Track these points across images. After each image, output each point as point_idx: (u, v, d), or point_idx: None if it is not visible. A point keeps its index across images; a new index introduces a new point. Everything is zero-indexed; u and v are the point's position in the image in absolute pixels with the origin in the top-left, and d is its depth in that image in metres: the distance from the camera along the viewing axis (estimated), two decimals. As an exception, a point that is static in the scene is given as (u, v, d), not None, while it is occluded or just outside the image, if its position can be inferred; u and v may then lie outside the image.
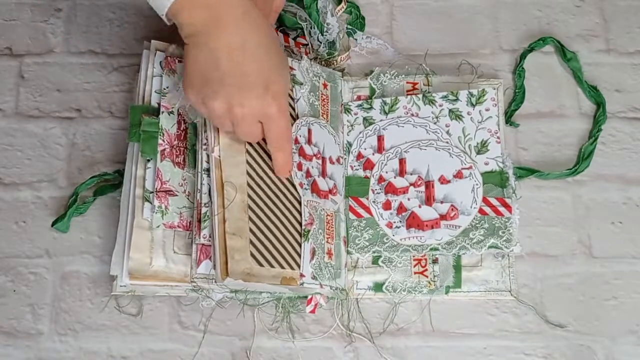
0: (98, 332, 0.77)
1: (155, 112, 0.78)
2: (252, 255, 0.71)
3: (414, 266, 0.77)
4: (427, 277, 0.77)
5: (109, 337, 0.77)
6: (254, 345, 0.76)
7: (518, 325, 0.77)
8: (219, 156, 0.74)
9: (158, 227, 0.74)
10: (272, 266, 0.71)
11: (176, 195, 0.76)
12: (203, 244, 0.72)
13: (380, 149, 0.82)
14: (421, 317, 0.77)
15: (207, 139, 0.75)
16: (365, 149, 0.82)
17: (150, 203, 0.75)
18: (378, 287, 0.77)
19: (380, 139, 0.82)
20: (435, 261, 0.77)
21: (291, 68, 0.81)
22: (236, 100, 0.67)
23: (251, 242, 0.71)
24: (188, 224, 0.76)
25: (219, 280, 0.69)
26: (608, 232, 0.80)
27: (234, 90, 0.67)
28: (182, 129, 0.79)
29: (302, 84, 0.81)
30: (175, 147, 0.78)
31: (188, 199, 0.76)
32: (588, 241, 0.80)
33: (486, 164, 0.80)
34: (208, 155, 0.75)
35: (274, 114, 0.68)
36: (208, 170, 0.75)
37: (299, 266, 0.73)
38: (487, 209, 0.78)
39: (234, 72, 0.66)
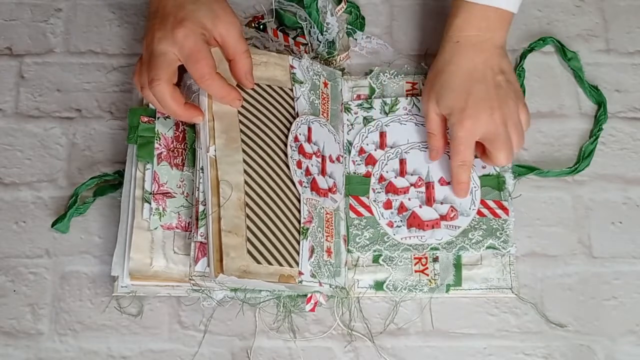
0: (98, 332, 0.77)
1: (154, 114, 0.78)
2: (249, 252, 0.71)
3: (415, 265, 0.77)
4: (427, 275, 0.77)
5: (109, 337, 0.76)
6: (254, 345, 0.76)
7: (518, 325, 0.77)
8: (214, 155, 0.74)
9: (156, 228, 0.74)
10: (270, 263, 0.71)
11: (174, 197, 0.76)
12: (201, 242, 0.72)
13: (382, 145, 0.82)
14: (421, 317, 0.77)
15: (202, 139, 0.75)
16: (367, 144, 0.82)
17: (150, 204, 0.75)
18: (379, 285, 0.77)
19: (382, 135, 0.82)
20: (435, 260, 0.77)
21: (291, 66, 0.81)
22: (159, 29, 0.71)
23: (248, 239, 0.71)
24: (186, 224, 0.76)
25: (212, 277, 0.69)
26: (608, 232, 0.80)
27: (156, 23, 0.71)
28: (180, 130, 0.79)
29: (302, 82, 0.81)
30: (173, 149, 0.77)
31: (187, 199, 0.76)
32: (588, 241, 0.80)
33: (483, 167, 0.80)
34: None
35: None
36: (205, 169, 0.75)
37: (297, 264, 0.73)
38: (485, 211, 0.78)
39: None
